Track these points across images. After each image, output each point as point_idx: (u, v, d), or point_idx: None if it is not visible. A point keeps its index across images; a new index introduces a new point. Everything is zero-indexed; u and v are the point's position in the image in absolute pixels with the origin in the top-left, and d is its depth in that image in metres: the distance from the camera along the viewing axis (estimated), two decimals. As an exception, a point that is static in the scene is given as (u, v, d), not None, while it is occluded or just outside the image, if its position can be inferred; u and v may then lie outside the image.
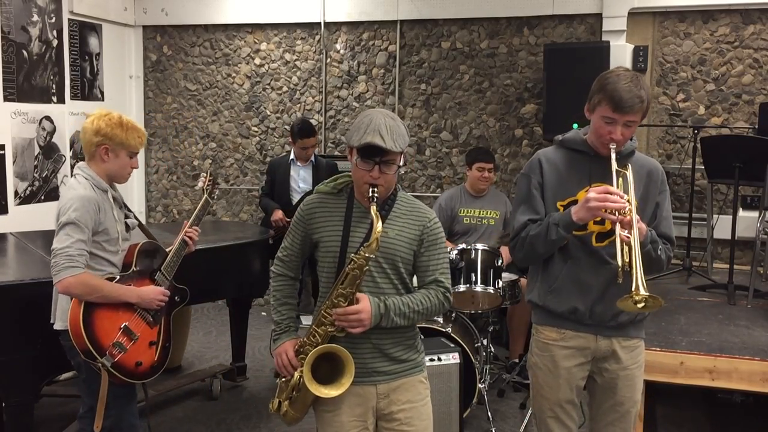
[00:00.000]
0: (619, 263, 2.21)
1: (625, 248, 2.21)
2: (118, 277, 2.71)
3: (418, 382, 2.32)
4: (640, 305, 2.17)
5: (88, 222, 2.57)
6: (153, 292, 2.75)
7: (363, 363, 2.21)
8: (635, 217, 2.22)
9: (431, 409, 2.37)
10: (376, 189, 2.12)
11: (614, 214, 2.22)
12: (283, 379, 2.31)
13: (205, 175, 3.17)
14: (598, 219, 2.31)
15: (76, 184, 2.66)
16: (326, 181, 2.33)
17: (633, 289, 2.15)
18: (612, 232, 2.28)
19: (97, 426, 2.64)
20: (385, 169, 2.13)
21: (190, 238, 2.96)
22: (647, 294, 2.14)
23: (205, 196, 3.10)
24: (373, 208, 2.11)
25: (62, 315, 2.66)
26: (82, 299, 2.56)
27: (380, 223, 2.09)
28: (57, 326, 2.71)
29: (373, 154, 2.10)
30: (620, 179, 2.31)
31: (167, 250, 2.94)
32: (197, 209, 3.05)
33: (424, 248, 2.24)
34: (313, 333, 2.21)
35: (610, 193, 2.22)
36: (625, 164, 2.37)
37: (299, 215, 2.32)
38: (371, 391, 2.25)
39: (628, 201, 2.23)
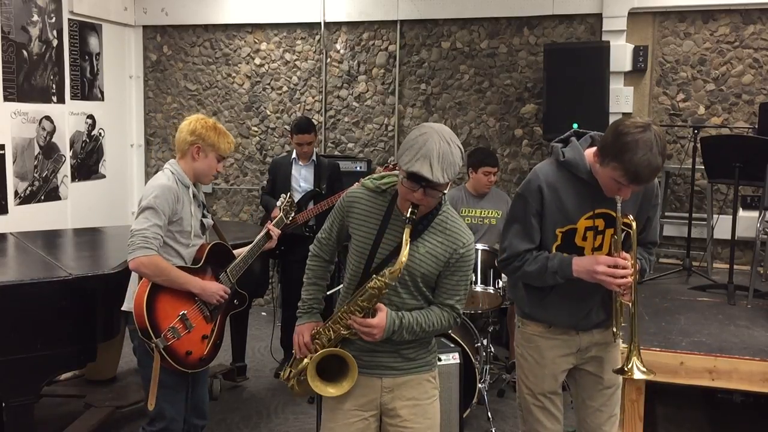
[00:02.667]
0: (615, 329, 2.38)
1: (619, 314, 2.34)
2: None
3: (425, 380, 2.33)
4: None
5: (165, 209, 2.74)
6: (215, 287, 2.88)
7: (372, 355, 2.25)
8: (635, 283, 2.28)
9: (438, 408, 2.38)
10: (416, 210, 2.10)
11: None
12: (299, 357, 2.37)
13: (284, 196, 3.43)
14: (597, 246, 2.38)
15: (162, 175, 2.85)
16: (374, 176, 2.32)
17: (627, 369, 2.28)
18: (609, 255, 2.35)
19: (150, 404, 2.78)
20: (431, 193, 2.08)
21: (274, 232, 3.18)
22: (641, 378, 2.28)
23: (281, 214, 3.35)
24: (407, 233, 2.09)
25: (132, 297, 2.78)
26: (150, 279, 2.70)
27: (408, 249, 2.08)
28: (124, 307, 2.89)
29: (420, 180, 2.05)
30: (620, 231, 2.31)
31: (236, 253, 3.11)
32: (276, 219, 3.32)
33: (449, 271, 2.22)
34: (329, 327, 2.26)
35: (618, 267, 2.24)
36: (632, 220, 2.33)
37: (341, 203, 2.33)
38: (376, 383, 2.27)
39: (632, 266, 2.26)
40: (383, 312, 2.14)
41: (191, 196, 2.88)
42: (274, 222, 3.25)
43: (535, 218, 2.37)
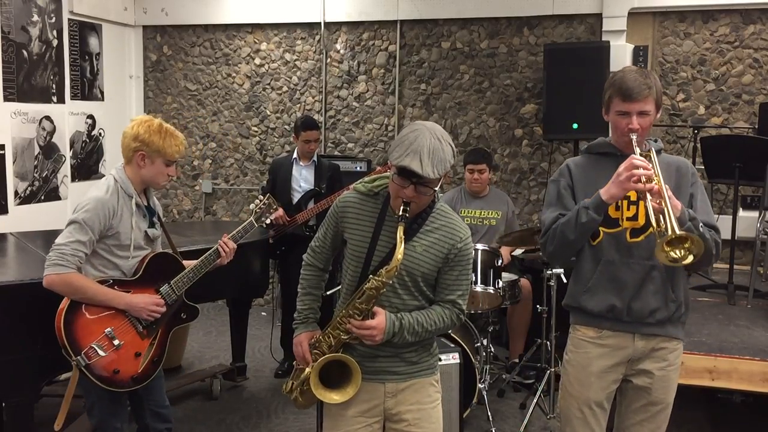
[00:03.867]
0: (654, 225, 2.18)
1: (659, 215, 2.18)
2: (112, 280, 2.67)
3: (428, 384, 2.32)
4: (682, 258, 2.11)
5: (95, 225, 2.57)
6: (143, 301, 2.67)
7: (374, 360, 2.23)
8: (664, 186, 2.19)
9: (441, 412, 2.36)
10: (408, 208, 2.09)
11: (642, 185, 2.19)
12: (299, 367, 2.35)
13: (261, 198, 3.16)
14: (631, 215, 2.33)
15: (103, 184, 2.68)
16: (365, 179, 2.30)
17: (669, 232, 2.09)
18: (646, 227, 2.30)
19: (57, 424, 2.65)
20: (422, 189, 2.07)
21: (224, 250, 2.91)
22: (683, 233, 2.09)
23: (251, 218, 3.11)
24: (401, 231, 2.07)
25: None
26: (68, 297, 2.56)
27: (402, 246, 2.06)
28: None
29: (410, 175, 2.04)
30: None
31: (186, 264, 2.88)
32: (240, 227, 3.05)
33: (448, 267, 2.20)
34: (328, 334, 2.24)
35: (637, 161, 2.21)
36: (649, 149, 2.36)
37: (334, 209, 2.30)
38: (379, 389, 2.25)
39: (654, 173, 2.21)
40: (382, 314, 2.13)
41: (134, 206, 2.69)
42: (231, 234, 2.99)
43: (566, 191, 2.46)
